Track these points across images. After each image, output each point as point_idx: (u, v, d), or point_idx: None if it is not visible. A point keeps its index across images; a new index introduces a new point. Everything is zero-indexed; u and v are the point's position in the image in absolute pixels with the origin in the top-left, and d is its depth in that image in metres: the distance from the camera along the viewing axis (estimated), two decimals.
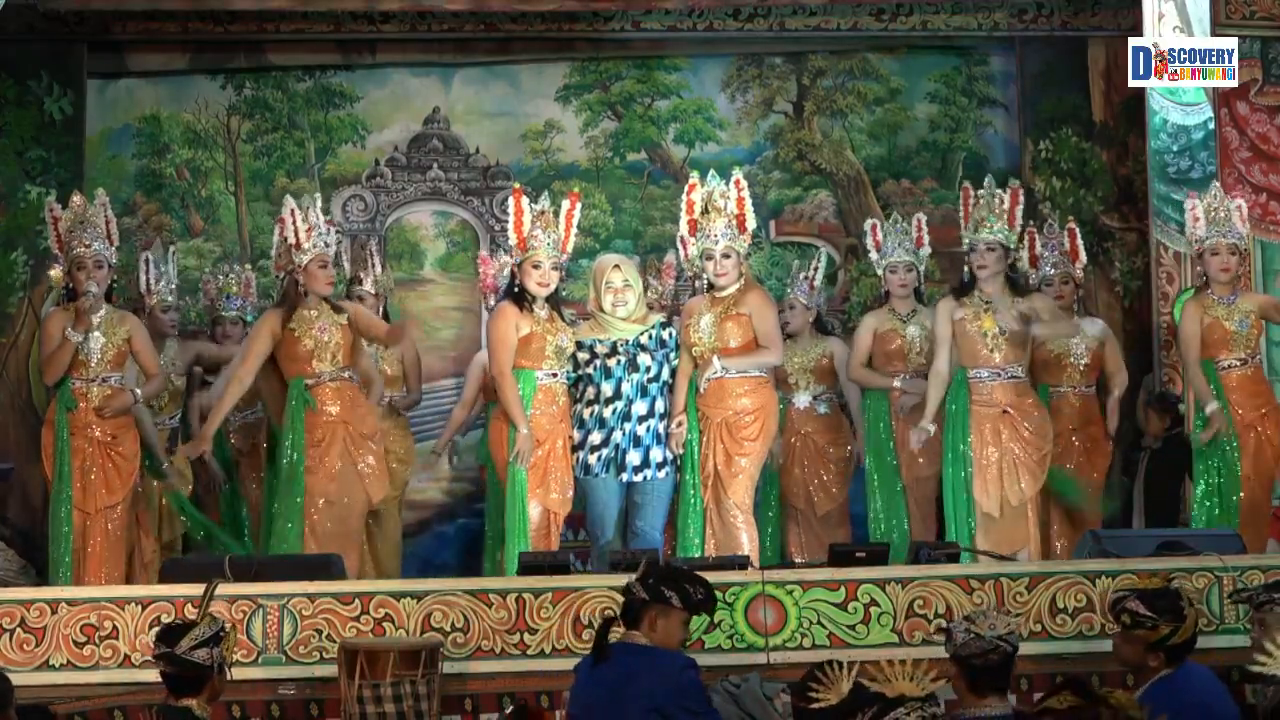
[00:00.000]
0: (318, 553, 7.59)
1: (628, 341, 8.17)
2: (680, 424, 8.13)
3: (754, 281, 8.52)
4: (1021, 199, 8.46)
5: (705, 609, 5.78)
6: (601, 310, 8.25)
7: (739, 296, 8.17)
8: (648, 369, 8.19)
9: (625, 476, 8.12)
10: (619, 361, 8.15)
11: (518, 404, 7.87)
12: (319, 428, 7.91)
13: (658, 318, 8.38)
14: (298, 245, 8.00)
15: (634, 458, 8.12)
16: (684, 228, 8.34)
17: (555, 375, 8.02)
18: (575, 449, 8.12)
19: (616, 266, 8.33)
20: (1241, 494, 8.32)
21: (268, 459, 8.32)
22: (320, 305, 8.05)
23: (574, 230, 8.17)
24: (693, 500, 8.12)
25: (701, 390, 8.12)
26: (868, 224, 9.44)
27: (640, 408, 8.16)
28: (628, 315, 8.22)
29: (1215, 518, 8.30)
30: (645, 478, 8.13)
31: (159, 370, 8.43)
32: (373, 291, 9.38)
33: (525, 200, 8.07)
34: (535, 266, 8.00)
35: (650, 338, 8.21)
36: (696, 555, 7.89)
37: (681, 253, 8.90)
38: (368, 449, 8.04)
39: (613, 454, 8.12)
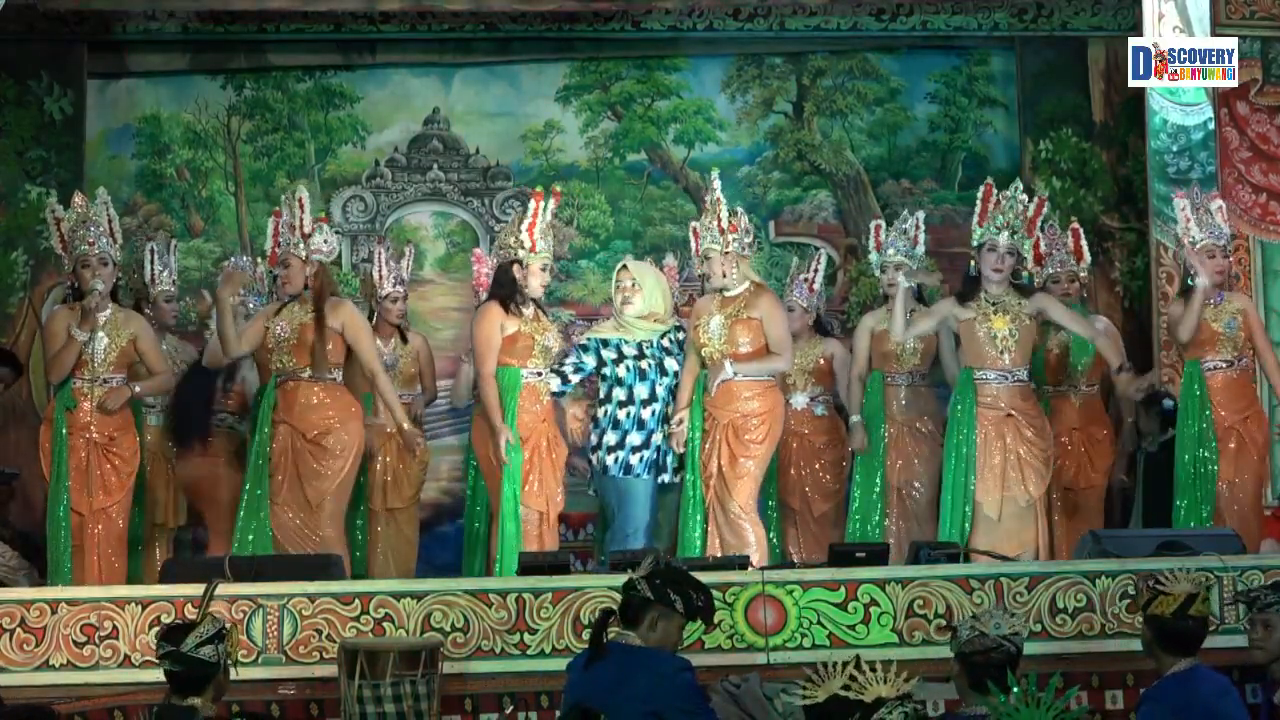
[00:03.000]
0: (318, 552, 7.59)
1: (652, 344, 8.23)
2: (680, 421, 8.16)
3: (765, 285, 8.56)
4: (1045, 209, 8.53)
5: (704, 617, 5.77)
6: (617, 311, 8.40)
7: (749, 299, 8.20)
8: (675, 373, 8.30)
9: (665, 478, 8.24)
10: (650, 364, 8.22)
11: (497, 406, 7.91)
12: (276, 427, 7.91)
13: (674, 320, 8.45)
14: (275, 245, 8.06)
15: (670, 460, 8.28)
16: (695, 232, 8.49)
17: (540, 374, 8.09)
18: (612, 449, 8.19)
19: (624, 267, 8.47)
20: (1220, 496, 8.31)
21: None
22: (300, 303, 8.04)
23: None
24: (693, 500, 8.13)
25: (712, 393, 8.14)
26: (873, 224, 9.46)
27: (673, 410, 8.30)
28: (635, 315, 8.30)
29: (1196, 518, 8.30)
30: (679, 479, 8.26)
31: (165, 369, 8.43)
32: (403, 293, 9.45)
33: (544, 204, 8.15)
34: (543, 268, 8.12)
35: (671, 340, 8.30)
36: (696, 555, 7.89)
37: (693, 247, 9.01)
38: (312, 453, 7.90)
39: (654, 456, 8.20)
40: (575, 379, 8.42)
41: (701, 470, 8.14)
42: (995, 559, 7.63)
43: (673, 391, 8.28)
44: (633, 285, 8.31)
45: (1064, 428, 8.90)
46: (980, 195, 8.41)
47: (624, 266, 8.47)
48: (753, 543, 8.01)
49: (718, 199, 8.30)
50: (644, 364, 8.24)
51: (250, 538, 7.81)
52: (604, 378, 8.36)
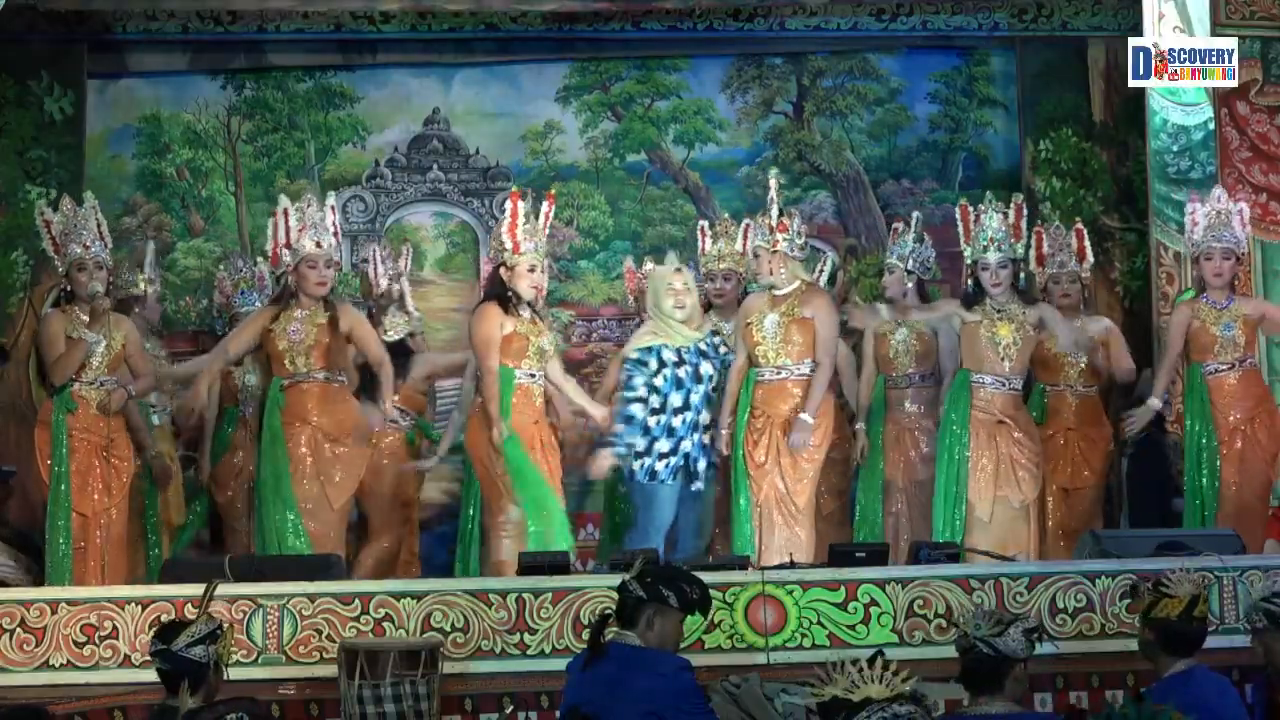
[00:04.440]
0: (317, 553, 7.59)
1: (690, 349, 8.27)
2: (730, 425, 8.21)
3: (817, 286, 8.60)
4: (1025, 211, 8.54)
5: (700, 609, 5.76)
6: (662, 313, 8.36)
7: (802, 298, 8.23)
8: (710, 377, 8.33)
9: (697, 485, 8.25)
10: (687, 371, 8.24)
11: (495, 399, 7.91)
12: (290, 428, 7.92)
13: (709, 325, 8.49)
14: (287, 245, 8.01)
15: (702, 465, 8.29)
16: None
17: (534, 376, 8.07)
18: (640, 455, 8.20)
19: (678, 270, 8.49)
20: (1226, 496, 8.32)
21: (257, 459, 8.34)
22: (312, 305, 8.04)
23: (547, 231, 8.32)
24: (741, 500, 8.14)
25: (797, 446, 8.17)
26: (895, 225, 9.48)
27: (705, 417, 8.31)
28: (686, 318, 8.33)
29: (1202, 520, 8.31)
30: (707, 483, 8.29)
31: (149, 371, 8.43)
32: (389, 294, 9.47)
33: (522, 204, 8.11)
34: (530, 269, 8.05)
35: (707, 345, 8.35)
36: (748, 554, 7.86)
37: (699, 245, 9.00)
38: (335, 453, 7.98)
39: (682, 462, 8.21)
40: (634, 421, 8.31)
41: (751, 467, 8.13)
42: (996, 559, 7.64)
43: (707, 398, 8.30)
44: (685, 288, 8.35)
45: (1060, 427, 8.90)
46: (959, 217, 8.49)
47: (679, 269, 8.49)
48: (804, 541, 8.05)
49: (772, 198, 8.34)
50: (681, 371, 8.27)
51: (275, 538, 7.80)
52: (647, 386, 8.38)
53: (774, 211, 8.31)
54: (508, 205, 8.21)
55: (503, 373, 7.99)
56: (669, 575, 5.65)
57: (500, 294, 8.11)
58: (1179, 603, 5.37)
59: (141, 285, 9.38)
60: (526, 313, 8.10)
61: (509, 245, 8.06)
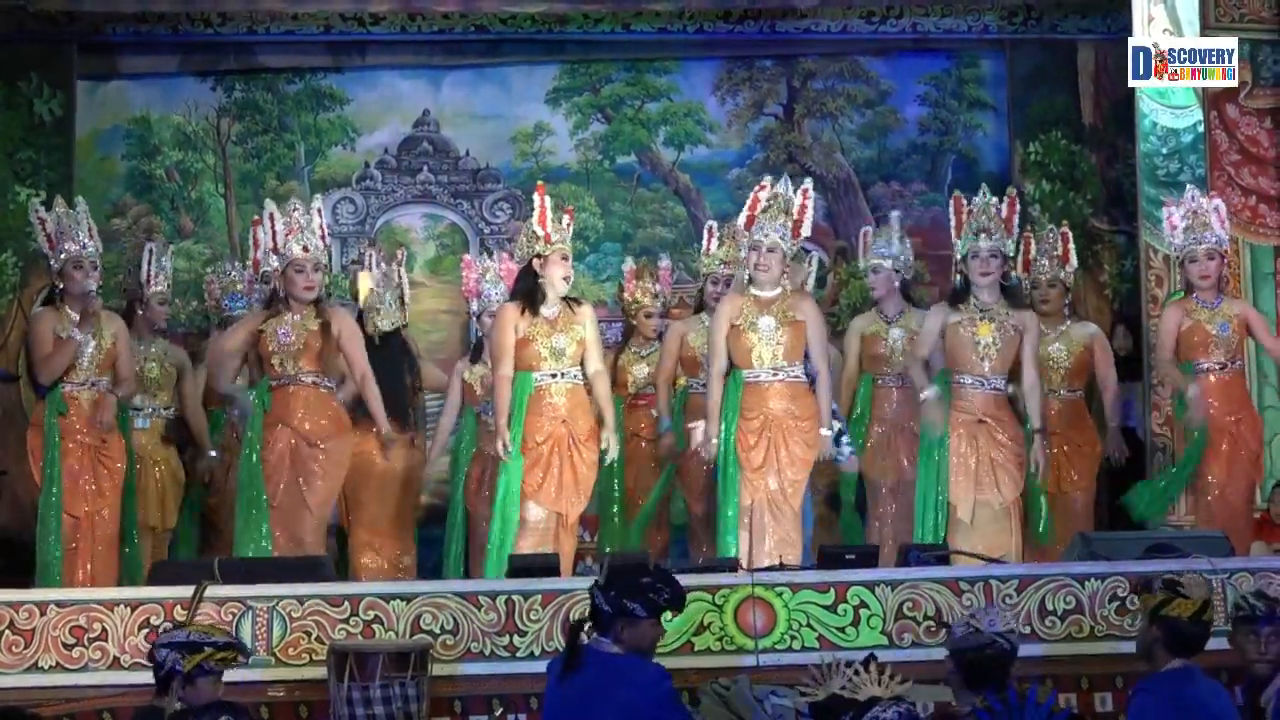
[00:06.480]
0: (306, 554, 7.58)
1: None
2: (714, 437, 8.02)
3: (801, 289, 8.58)
4: (1018, 206, 8.49)
5: (672, 609, 5.63)
6: None
7: (792, 302, 8.18)
8: None
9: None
10: None
11: (505, 410, 7.86)
12: (271, 430, 7.90)
13: None
14: (274, 249, 7.99)
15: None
16: (741, 222, 8.25)
17: (556, 376, 7.94)
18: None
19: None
20: (1211, 497, 8.33)
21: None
22: (303, 309, 8.02)
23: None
24: (729, 507, 8.10)
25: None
26: (862, 231, 9.44)
27: None
28: None
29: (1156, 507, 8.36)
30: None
31: (130, 375, 8.37)
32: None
33: (548, 197, 8.05)
34: (564, 258, 7.96)
35: None
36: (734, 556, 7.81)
37: (704, 244, 8.95)
38: (314, 457, 7.93)
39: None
40: None
41: (748, 469, 8.05)
42: (984, 561, 7.64)
43: None
44: None
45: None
46: (952, 209, 8.42)
47: None
48: (797, 541, 8.03)
49: (803, 204, 8.24)
50: None
51: (252, 541, 7.79)
52: None
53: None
54: (535, 199, 8.03)
55: (521, 378, 7.94)
56: (634, 584, 5.49)
57: (521, 295, 8.03)
58: (1192, 604, 5.40)
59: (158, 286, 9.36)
60: (554, 309, 8.03)
61: (541, 234, 7.99)
